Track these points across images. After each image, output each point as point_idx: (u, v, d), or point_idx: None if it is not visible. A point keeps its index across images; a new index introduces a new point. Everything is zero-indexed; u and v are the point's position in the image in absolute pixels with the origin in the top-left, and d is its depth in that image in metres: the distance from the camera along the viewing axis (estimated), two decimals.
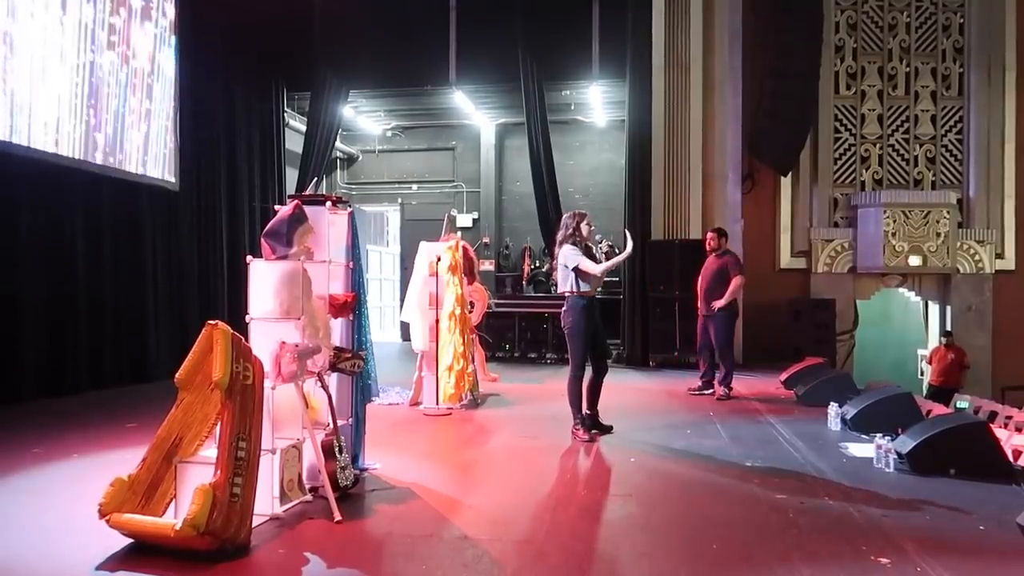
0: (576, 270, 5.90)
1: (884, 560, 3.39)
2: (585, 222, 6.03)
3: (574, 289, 5.95)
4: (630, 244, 6.48)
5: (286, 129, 13.34)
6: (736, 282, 7.97)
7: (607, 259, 6.15)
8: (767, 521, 3.97)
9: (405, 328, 9.21)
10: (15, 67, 7.34)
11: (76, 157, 8.15)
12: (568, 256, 5.95)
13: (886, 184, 12.80)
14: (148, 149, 9.31)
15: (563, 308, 6.06)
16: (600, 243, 6.08)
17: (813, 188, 12.88)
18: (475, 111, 14.73)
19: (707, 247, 8.47)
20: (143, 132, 9.22)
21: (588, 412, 6.10)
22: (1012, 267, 12.59)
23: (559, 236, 6.14)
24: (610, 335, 12.58)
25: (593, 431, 6.02)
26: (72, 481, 4.64)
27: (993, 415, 6.82)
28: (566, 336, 6.06)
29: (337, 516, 3.84)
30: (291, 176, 13.08)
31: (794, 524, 3.91)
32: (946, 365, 11.27)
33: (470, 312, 7.96)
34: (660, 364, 11.06)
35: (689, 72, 11.60)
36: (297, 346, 4.01)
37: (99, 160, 8.49)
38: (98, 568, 3.25)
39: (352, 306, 4.61)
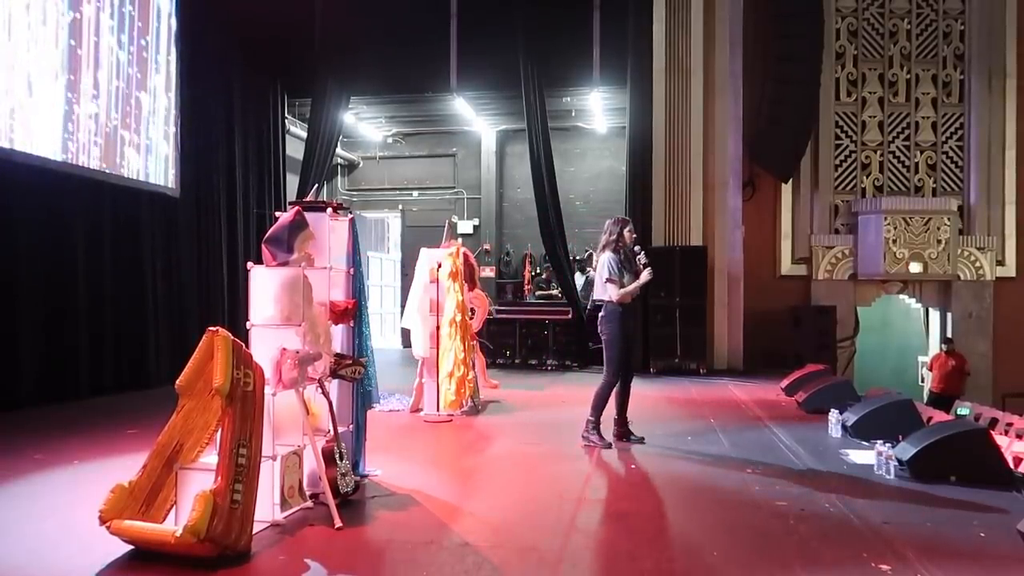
0: (609, 281, 5.89)
1: (885, 567, 3.39)
2: (628, 228, 6.05)
3: (612, 297, 5.94)
4: (648, 271, 6.08)
5: (287, 136, 13.36)
6: None
7: (644, 268, 6.06)
8: (768, 528, 3.97)
9: (406, 334, 9.19)
10: (15, 72, 7.37)
11: (77, 164, 8.17)
12: (603, 266, 5.95)
13: (887, 191, 12.83)
14: (148, 155, 9.34)
15: (600, 315, 6.06)
16: (640, 253, 6.06)
17: (814, 195, 12.90)
18: (476, 117, 14.73)
19: None
20: (143, 138, 9.24)
21: (618, 419, 6.11)
22: (1013, 274, 12.60)
23: (601, 241, 6.14)
24: None
25: (623, 439, 6.03)
26: (72, 487, 4.64)
27: (994, 422, 6.80)
28: (603, 344, 6.04)
29: (338, 523, 3.83)
30: (292, 182, 13.08)
31: (795, 531, 3.90)
32: (947, 372, 11.26)
33: (471, 319, 7.96)
34: (661, 371, 11.04)
35: (690, 78, 11.62)
36: (298, 352, 4.02)
37: (99, 166, 8.52)
38: (99, 575, 3.25)
39: (353, 312, 4.61)
